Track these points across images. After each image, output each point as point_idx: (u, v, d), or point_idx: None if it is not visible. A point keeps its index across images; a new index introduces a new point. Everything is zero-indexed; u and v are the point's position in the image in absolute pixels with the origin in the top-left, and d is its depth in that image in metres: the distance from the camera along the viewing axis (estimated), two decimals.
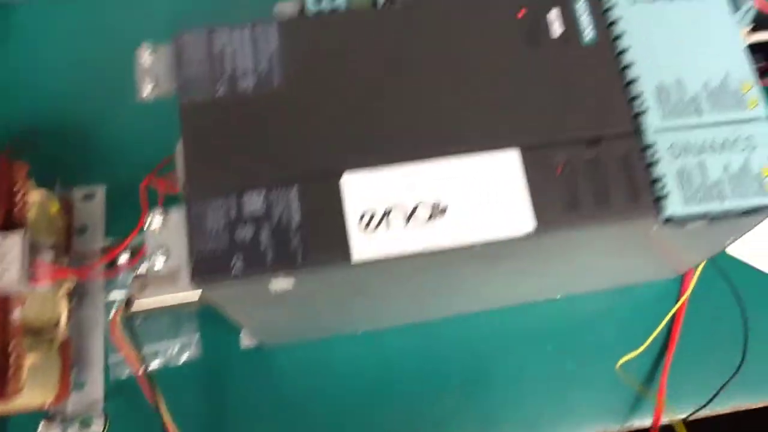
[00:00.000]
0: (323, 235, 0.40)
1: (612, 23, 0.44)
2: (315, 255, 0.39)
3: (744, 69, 0.44)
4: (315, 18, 0.44)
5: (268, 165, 0.41)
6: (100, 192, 0.64)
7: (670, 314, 0.60)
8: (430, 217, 0.40)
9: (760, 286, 0.62)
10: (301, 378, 0.58)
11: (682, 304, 0.61)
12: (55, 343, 0.56)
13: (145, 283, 0.41)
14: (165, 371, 0.58)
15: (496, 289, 0.55)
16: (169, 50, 0.43)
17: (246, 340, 0.58)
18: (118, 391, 0.57)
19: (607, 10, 0.45)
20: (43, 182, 0.57)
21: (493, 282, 0.52)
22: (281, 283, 0.40)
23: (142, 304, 0.43)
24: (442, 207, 0.40)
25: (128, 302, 0.43)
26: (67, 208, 0.62)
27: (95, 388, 0.58)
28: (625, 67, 0.43)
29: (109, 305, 0.60)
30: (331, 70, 0.43)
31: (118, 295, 0.60)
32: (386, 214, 0.40)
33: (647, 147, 0.42)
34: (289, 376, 0.58)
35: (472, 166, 0.41)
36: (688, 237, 0.46)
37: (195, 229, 0.39)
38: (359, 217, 0.40)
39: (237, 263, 0.39)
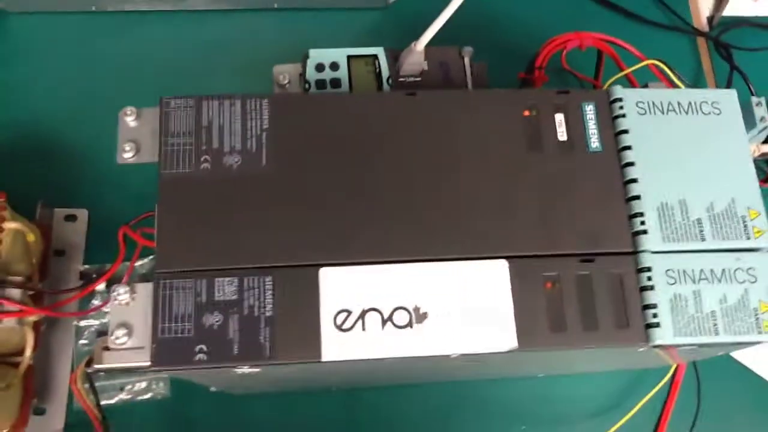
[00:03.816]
0: (294, 330, 0.38)
1: (619, 133, 0.42)
2: (283, 351, 0.37)
3: (752, 194, 0.42)
4: (309, 96, 0.42)
5: (244, 251, 0.39)
6: (82, 215, 0.62)
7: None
8: (409, 322, 0.38)
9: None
10: (270, 427, 0.57)
11: (672, 393, 0.59)
12: (19, 370, 0.54)
13: (107, 352, 0.39)
14: (132, 407, 0.56)
15: (472, 373, 0.54)
16: (154, 115, 0.41)
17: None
18: (81, 423, 0.55)
19: (616, 117, 0.43)
20: (25, 200, 0.55)
21: (470, 370, 0.50)
22: (247, 369, 0.39)
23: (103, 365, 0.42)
24: (422, 312, 0.39)
25: (89, 362, 0.41)
26: (46, 229, 0.60)
27: (56, 417, 0.57)
28: (629, 182, 0.41)
29: (80, 329, 0.58)
30: (321, 156, 0.41)
31: (91, 321, 0.59)
32: (363, 314, 0.38)
33: (643, 270, 0.40)
34: (258, 424, 0.57)
35: (458, 272, 0.39)
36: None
37: (160, 312, 0.38)
38: (334, 315, 0.38)
39: (201, 353, 0.37)
